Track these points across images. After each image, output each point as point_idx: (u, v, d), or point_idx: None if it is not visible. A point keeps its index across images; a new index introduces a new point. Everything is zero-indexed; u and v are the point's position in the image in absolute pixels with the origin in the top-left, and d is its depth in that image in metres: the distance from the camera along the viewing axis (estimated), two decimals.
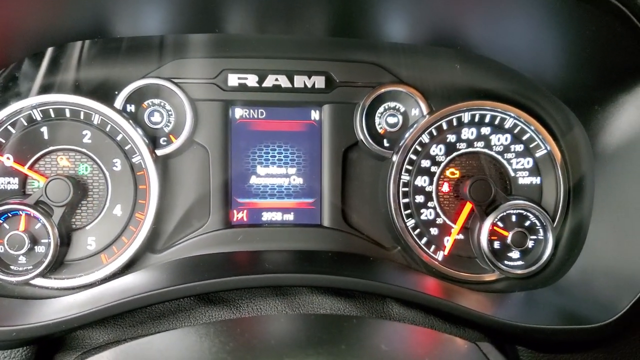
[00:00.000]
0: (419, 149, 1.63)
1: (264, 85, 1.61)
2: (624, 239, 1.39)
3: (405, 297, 1.34)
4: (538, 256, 1.60)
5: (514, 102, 1.63)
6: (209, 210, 1.61)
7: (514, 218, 1.61)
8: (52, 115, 1.51)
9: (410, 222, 1.63)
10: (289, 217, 1.68)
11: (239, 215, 1.66)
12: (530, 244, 1.60)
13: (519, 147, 1.64)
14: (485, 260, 1.57)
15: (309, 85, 1.62)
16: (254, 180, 1.67)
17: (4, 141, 1.50)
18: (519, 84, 1.63)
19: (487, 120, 1.64)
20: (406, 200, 1.63)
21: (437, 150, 1.63)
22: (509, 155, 1.64)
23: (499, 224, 1.59)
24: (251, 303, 1.43)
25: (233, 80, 1.60)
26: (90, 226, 1.54)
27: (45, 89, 1.51)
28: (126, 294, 1.28)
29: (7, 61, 1.46)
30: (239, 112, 1.65)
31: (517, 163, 1.64)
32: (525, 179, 1.65)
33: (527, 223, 1.61)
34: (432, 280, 1.56)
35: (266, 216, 1.67)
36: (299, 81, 1.62)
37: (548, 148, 1.63)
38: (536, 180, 1.65)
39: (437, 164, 1.63)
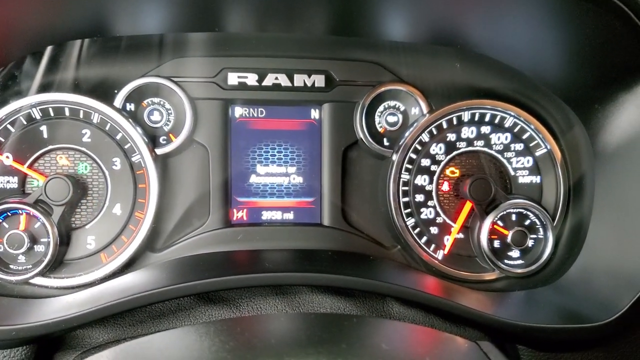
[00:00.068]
0: (419, 147, 1.63)
1: (263, 84, 1.61)
2: (624, 238, 1.39)
3: (405, 296, 1.34)
4: (538, 255, 1.60)
5: (514, 101, 1.63)
6: (208, 209, 1.61)
7: (514, 217, 1.61)
8: (52, 114, 1.51)
9: (410, 221, 1.63)
10: (289, 216, 1.68)
11: (238, 214, 1.66)
12: (530, 243, 1.60)
13: (519, 146, 1.64)
14: (485, 259, 1.57)
15: (309, 84, 1.62)
16: (253, 179, 1.67)
17: (3, 140, 1.49)
18: (519, 83, 1.63)
19: (487, 119, 1.64)
20: (406, 199, 1.63)
21: (437, 149, 1.63)
22: (509, 154, 1.64)
23: (499, 223, 1.59)
24: (251, 302, 1.43)
25: (233, 79, 1.60)
26: (89, 225, 1.53)
27: (44, 88, 1.51)
28: (126, 293, 1.28)
29: (6, 60, 1.45)
30: (238, 111, 1.65)
31: (517, 162, 1.64)
32: (525, 178, 1.65)
33: (527, 222, 1.61)
34: (432, 279, 1.56)
35: (266, 215, 1.67)
36: (299, 80, 1.61)
37: (548, 147, 1.63)
38: (536, 179, 1.65)
39: (437, 162, 1.63)
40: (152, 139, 1.58)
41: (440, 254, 1.63)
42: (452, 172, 1.65)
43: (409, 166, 1.62)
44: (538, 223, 1.60)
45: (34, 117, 1.50)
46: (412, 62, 1.64)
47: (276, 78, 1.61)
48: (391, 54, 1.64)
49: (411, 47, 1.64)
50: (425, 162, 1.63)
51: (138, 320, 1.41)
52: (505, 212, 1.59)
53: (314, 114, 1.66)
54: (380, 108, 1.67)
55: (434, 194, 1.64)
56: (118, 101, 1.55)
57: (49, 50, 1.50)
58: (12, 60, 1.47)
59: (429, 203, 1.64)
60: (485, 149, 1.64)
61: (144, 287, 1.30)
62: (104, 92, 1.55)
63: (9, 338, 1.24)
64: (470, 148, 1.64)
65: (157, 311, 1.42)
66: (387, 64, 1.64)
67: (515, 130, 1.64)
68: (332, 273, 1.36)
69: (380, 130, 1.67)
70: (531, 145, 1.64)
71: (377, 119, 1.67)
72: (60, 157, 1.53)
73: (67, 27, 1.42)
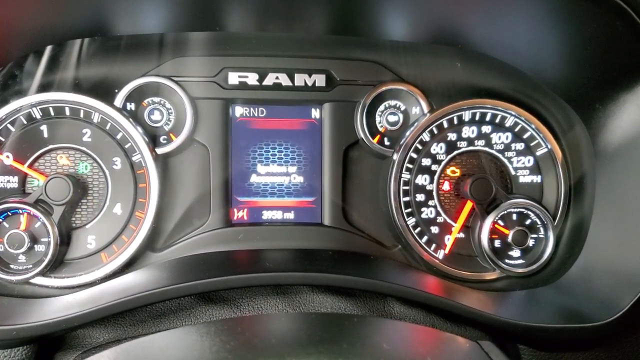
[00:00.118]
0: (420, 147, 1.63)
1: (264, 83, 1.61)
2: (625, 238, 1.39)
3: (406, 296, 1.34)
4: (539, 255, 1.60)
5: (514, 101, 1.63)
6: (209, 208, 1.61)
7: (514, 216, 1.61)
8: (52, 114, 1.51)
9: (411, 221, 1.63)
10: (290, 215, 1.67)
11: (239, 214, 1.66)
12: (531, 242, 1.60)
13: (520, 146, 1.64)
14: (486, 258, 1.57)
15: (310, 84, 1.62)
16: (254, 178, 1.66)
17: (3, 139, 1.49)
18: (520, 82, 1.62)
19: (487, 118, 1.63)
20: (407, 198, 1.62)
21: (437, 148, 1.63)
22: (510, 154, 1.64)
23: (500, 222, 1.59)
24: (252, 302, 1.43)
25: (233, 78, 1.60)
26: (90, 225, 1.53)
27: (45, 87, 1.51)
28: (126, 293, 1.28)
29: (6, 59, 1.45)
30: (239, 111, 1.65)
31: (518, 161, 1.64)
32: (526, 178, 1.65)
33: (528, 221, 1.61)
34: (432, 279, 1.56)
35: (266, 215, 1.67)
36: (300, 79, 1.61)
37: (549, 146, 1.62)
38: (537, 178, 1.65)
39: (438, 162, 1.63)
40: (153, 139, 1.58)
41: (441, 254, 1.63)
42: (453, 172, 1.65)
43: (410, 166, 1.62)
44: (539, 222, 1.60)
45: (34, 116, 1.50)
46: (413, 61, 1.64)
47: (277, 77, 1.61)
48: (392, 54, 1.64)
49: (412, 47, 1.64)
50: (426, 161, 1.63)
51: (139, 320, 1.41)
52: (506, 212, 1.59)
53: (315, 113, 1.66)
54: (381, 107, 1.66)
55: (434, 193, 1.64)
56: (118, 101, 1.55)
57: (49, 49, 1.50)
58: (13, 60, 1.47)
59: (430, 202, 1.64)
60: (486, 149, 1.64)
61: (145, 287, 1.30)
62: (104, 91, 1.55)
63: (9, 338, 1.24)
64: (471, 147, 1.64)
65: (158, 311, 1.42)
66: (388, 64, 1.64)
67: (516, 129, 1.64)
68: (333, 273, 1.36)
69: (381, 129, 1.67)
70: (532, 144, 1.64)
71: (377, 119, 1.66)
72: (60, 156, 1.53)
73: (67, 26, 1.42)
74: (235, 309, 1.42)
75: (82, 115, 1.52)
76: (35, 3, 1.26)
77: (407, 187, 1.62)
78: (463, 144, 1.63)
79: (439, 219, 1.64)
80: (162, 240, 1.61)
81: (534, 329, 1.30)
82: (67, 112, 1.52)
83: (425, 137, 1.63)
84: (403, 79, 1.65)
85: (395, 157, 1.62)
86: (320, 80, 1.62)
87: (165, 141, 1.59)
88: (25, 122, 1.50)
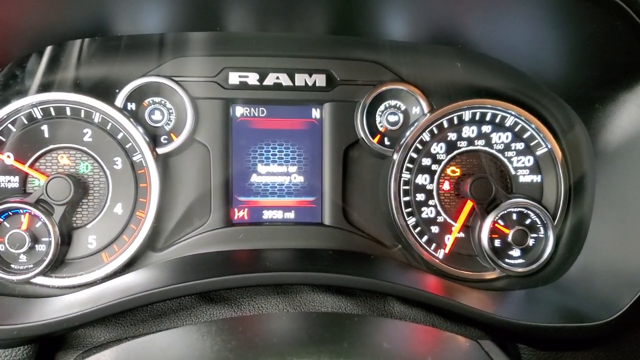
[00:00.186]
0: (420, 147, 1.63)
1: (264, 83, 1.61)
2: (624, 237, 1.40)
3: (406, 295, 1.34)
4: (539, 254, 1.60)
5: (514, 101, 1.63)
6: (209, 208, 1.61)
7: (514, 216, 1.61)
8: (53, 114, 1.51)
9: (411, 220, 1.63)
10: (290, 215, 1.68)
11: (239, 214, 1.66)
12: (530, 242, 1.60)
13: (520, 146, 1.65)
14: (486, 258, 1.57)
15: (310, 84, 1.62)
16: (254, 178, 1.67)
17: (4, 139, 1.50)
18: (520, 82, 1.63)
19: (487, 118, 1.64)
20: (407, 198, 1.63)
21: (437, 148, 1.63)
22: (510, 154, 1.65)
23: (500, 222, 1.60)
24: (252, 301, 1.43)
25: (234, 78, 1.60)
26: (91, 225, 1.53)
27: (45, 87, 1.51)
28: (127, 293, 1.28)
29: (7, 59, 1.46)
30: (239, 111, 1.65)
31: (518, 161, 1.65)
32: (525, 177, 1.65)
33: (528, 221, 1.61)
34: (432, 278, 1.56)
35: (267, 214, 1.67)
36: (300, 79, 1.62)
37: (549, 146, 1.63)
38: (537, 178, 1.65)
39: (438, 162, 1.64)
40: (153, 139, 1.58)
41: (441, 253, 1.63)
42: (453, 172, 1.65)
43: (410, 165, 1.63)
44: (539, 222, 1.60)
45: (35, 116, 1.50)
46: (413, 61, 1.65)
47: (277, 77, 1.61)
48: (392, 54, 1.64)
49: (412, 47, 1.64)
50: (426, 161, 1.63)
51: (139, 319, 1.41)
52: (505, 211, 1.59)
53: (315, 113, 1.67)
54: (381, 107, 1.67)
55: (434, 193, 1.64)
56: (119, 100, 1.56)
57: (50, 49, 1.50)
58: (14, 60, 1.48)
59: (430, 202, 1.64)
60: (486, 148, 1.64)
61: (145, 287, 1.30)
62: (105, 91, 1.55)
63: (10, 337, 1.24)
64: (471, 147, 1.64)
65: (159, 310, 1.42)
66: (388, 64, 1.65)
67: (516, 129, 1.64)
68: (333, 272, 1.36)
69: (381, 129, 1.67)
70: (532, 144, 1.64)
71: (378, 119, 1.67)
72: (61, 156, 1.53)
73: (68, 26, 1.42)
74: (235, 309, 1.42)
75: (82, 115, 1.53)
76: (36, 3, 1.26)
77: (407, 187, 1.63)
78: (463, 143, 1.64)
79: (439, 219, 1.64)
80: (163, 240, 1.61)
81: (534, 329, 1.30)
82: (68, 112, 1.52)
83: (426, 136, 1.63)
84: (403, 79, 1.65)
85: (396, 156, 1.62)
86: (320, 80, 1.62)
87: (165, 141, 1.60)
88: (26, 122, 1.50)
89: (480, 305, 1.36)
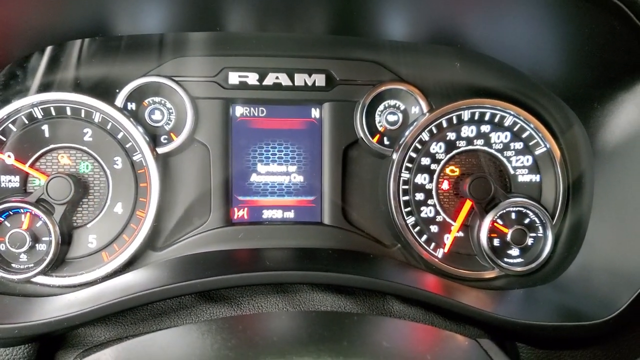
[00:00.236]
0: (419, 146, 1.63)
1: (264, 83, 1.61)
2: (623, 236, 1.40)
3: (405, 294, 1.35)
4: (537, 253, 1.60)
5: (513, 100, 1.63)
6: (209, 208, 1.62)
7: (513, 215, 1.62)
8: (53, 113, 1.52)
9: (410, 220, 1.63)
10: (290, 214, 1.68)
11: (239, 213, 1.67)
12: (529, 241, 1.60)
13: (519, 145, 1.65)
14: (485, 257, 1.58)
15: (310, 84, 1.62)
16: (254, 178, 1.67)
17: (4, 139, 1.50)
18: (519, 82, 1.63)
19: (486, 118, 1.64)
20: (406, 197, 1.63)
21: (437, 148, 1.64)
22: (509, 153, 1.65)
23: (499, 221, 1.60)
24: (252, 300, 1.43)
25: (234, 78, 1.60)
26: (91, 224, 1.54)
27: (46, 87, 1.51)
28: (127, 292, 1.29)
29: (8, 59, 1.46)
30: (239, 110, 1.65)
31: (517, 161, 1.65)
32: (524, 177, 1.65)
33: (527, 220, 1.61)
34: (432, 278, 1.56)
35: (267, 214, 1.68)
36: (300, 79, 1.62)
37: (547, 146, 1.63)
38: (535, 177, 1.65)
39: (437, 161, 1.64)
40: (153, 138, 1.58)
41: (440, 253, 1.64)
42: (452, 171, 1.65)
43: (409, 165, 1.63)
44: (537, 221, 1.61)
45: (35, 116, 1.51)
46: (412, 61, 1.65)
47: (277, 77, 1.61)
48: (391, 53, 1.64)
49: (411, 47, 1.64)
50: (425, 160, 1.64)
51: (139, 318, 1.41)
52: (504, 211, 1.59)
53: (315, 113, 1.67)
54: (381, 107, 1.67)
55: (434, 192, 1.64)
56: (119, 100, 1.56)
57: (50, 49, 1.50)
58: (14, 60, 1.48)
59: (429, 202, 1.64)
60: (485, 148, 1.65)
61: (145, 286, 1.30)
62: (105, 91, 1.55)
63: (11, 336, 1.25)
64: (470, 147, 1.64)
65: (159, 309, 1.42)
66: (387, 63, 1.65)
67: (515, 129, 1.65)
68: (333, 271, 1.36)
69: (380, 129, 1.67)
70: (531, 144, 1.65)
71: (377, 118, 1.67)
72: (61, 156, 1.53)
73: (68, 26, 1.42)
74: (235, 308, 1.42)
75: (83, 115, 1.53)
76: (36, 3, 1.26)
77: (406, 187, 1.63)
78: (462, 143, 1.64)
79: (438, 218, 1.65)
80: (163, 239, 1.61)
81: (533, 327, 1.30)
82: (68, 112, 1.52)
83: (425, 136, 1.63)
84: (402, 78, 1.65)
85: (395, 156, 1.62)
86: (320, 80, 1.62)
87: (165, 141, 1.60)
88: (26, 122, 1.51)
89: (479, 304, 1.36)
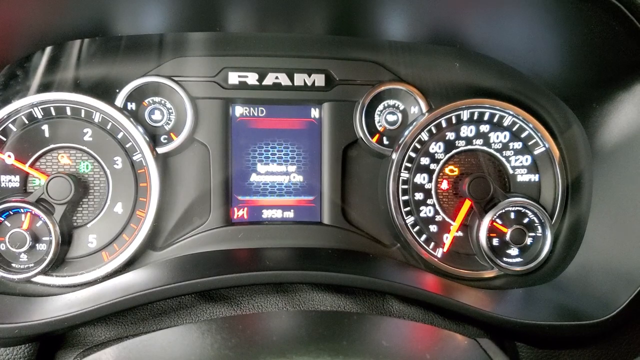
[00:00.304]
0: (419, 146, 1.64)
1: (264, 83, 1.61)
2: (622, 236, 1.40)
3: (405, 294, 1.35)
4: (536, 253, 1.61)
5: (512, 100, 1.64)
6: (209, 207, 1.62)
7: (512, 215, 1.62)
8: (53, 113, 1.52)
9: (410, 220, 1.64)
10: (289, 214, 1.68)
11: (239, 213, 1.67)
12: (528, 240, 1.61)
13: (518, 145, 1.65)
14: (484, 257, 1.58)
15: (309, 83, 1.63)
16: (254, 177, 1.67)
17: (5, 139, 1.50)
18: (518, 82, 1.63)
19: (486, 118, 1.64)
20: (405, 197, 1.63)
21: (436, 147, 1.64)
22: (508, 153, 1.65)
23: (498, 221, 1.60)
24: (252, 300, 1.44)
25: (233, 78, 1.61)
26: (91, 224, 1.54)
27: (46, 87, 1.52)
28: (127, 292, 1.29)
29: (8, 59, 1.46)
30: (239, 110, 1.66)
31: (516, 160, 1.65)
32: (523, 177, 1.66)
33: (526, 220, 1.62)
34: (431, 277, 1.57)
35: (266, 214, 1.68)
36: (299, 79, 1.62)
37: (546, 146, 1.63)
38: (534, 177, 1.66)
39: (437, 161, 1.64)
40: (153, 138, 1.58)
41: (439, 252, 1.64)
42: (452, 171, 1.66)
43: (409, 165, 1.63)
44: (536, 221, 1.61)
45: (35, 116, 1.51)
46: (412, 61, 1.65)
47: (276, 77, 1.62)
48: (391, 54, 1.65)
49: (410, 47, 1.65)
50: (425, 160, 1.64)
51: (140, 318, 1.42)
52: (504, 210, 1.59)
53: (314, 113, 1.67)
54: (380, 107, 1.67)
55: (433, 192, 1.65)
56: (119, 100, 1.56)
57: (50, 49, 1.50)
58: (14, 60, 1.48)
59: (429, 201, 1.65)
60: (484, 148, 1.65)
61: (146, 285, 1.30)
62: (105, 91, 1.56)
63: (11, 336, 1.25)
64: (469, 147, 1.65)
65: (159, 309, 1.43)
66: (387, 64, 1.65)
67: (514, 129, 1.65)
68: (332, 271, 1.36)
69: (379, 129, 1.68)
70: (530, 143, 1.65)
71: (376, 118, 1.67)
72: (61, 156, 1.54)
73: (68, 26, 1.42)
74: (235, 307, 1.43)
75: (83, 115, 1.53)
76: (37, 4, 1.26)
77: (405, 186, 1.63)
78: (461, 143, 1.64)
79: (438, 218, 1.65)
80: (163, 239, 1.61)
81: (532, 327, 1.31)
82: (68, 112, 1.53)
83: (424, 136, 1.64)
84: (402, 78, 1.65)
85: (394, 156, 1.62)
86: (319, 80, 1.63)
87: (165, 141, 1.60)
88: (26, 122, 1.51)
89: (478, 304, 1.36)
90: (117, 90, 1.57)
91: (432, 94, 1.66)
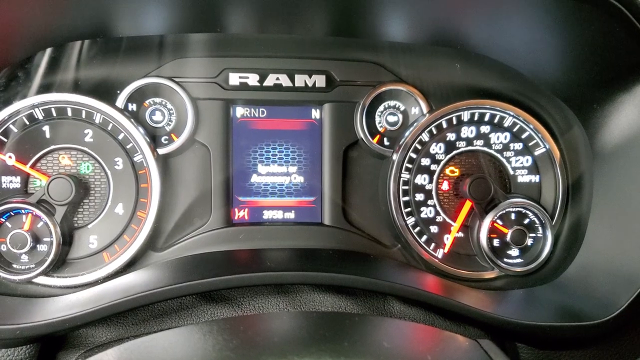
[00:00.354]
0: (419, 147, 1.64)
1: (265, 84, 1.62)
2: (622, 237, 1.40)
3: (405, 295, 1.35)
4: (537, 254, 1.61)
5: (513, 101, 1.64)
6: (210, 208, 1.62)
7: (513, 216, 1.62)
8: (54, 114, 1.52)
9: (410, 220, 1.64)
10: (290, 215, 1.68)
11: (240, 214, 1.67)
12: (529, 241, 1.61)
13: (518, 146, 1.66)
14: (485, 257, 1.58)
15: (310, 84, 1.63)
16: (255, 178, 1.67)
17: (6, 140, 1.50)
18: (519, 83, 1.63)
19: (486, 118, 1.65)
20: (406, 198, 1.64)
21: (437, 148, 1.64)
22: (508, 154, 1.65)
23: (499, 221, 1.60)
24: (253, 301, 1.44)
25: (234, 79, 1.61)
26: (92, 225, 1.54)
27: (47, 88, 1.52)
28: (128, 292, 1.29)
29: (9, 60, 1.46)
30: (240, 111, 1.66)
31: (516, 161, 1.66)
32: (524, 177, 1.66)
33: (526, 221, 1.62)
34: (432, 278, 1.57)
35: (267, 214, 1.68)
36: (300, 80, 1.62)
37: (547, 146, 1.64)
38: (535, 178, 1.66)
39: (437, 162, 1.64)
40: (154, 139, 1.59)
41: (440, 253, 1.64)
42: (452, 172, 1.66)
43: (409, 165, 1.63)
44: (537, 222, 1.61)
45: (36, 117, 1.51)
46: (412, 62, 1.66)
47: (277, 78, 1.62)
48: (391, 55, 1.65)
49: (411, 48, 1.65)
50: (425, 161, 1.64)
51: (141, 319, 1.42)
52: (504, 211, 1.60)
53: (315, 113, 1.67)
54: (381, 108, 1.68)
55: (433, 193, 1.65)
56: (120, 101, 1.56)
57: (51, 51, 1.50)
58: (15, 61, 1.48)
59: (429, 202, 1.65)
60: (485, 149, 1.65)
61: (146, 286, 1.30)
62: (106, 92, 1.56)
63: (12, 337, 1.25)
64: (469, 147, 1.65)
65: (160, 310, 1.43)
66: (387, 64, 1.65)
67: (515, 129, 1.65)
68: (333, 272, 1.36)
69: (380, 129, 1.68)
70: (530, 144, 1.65)
71: (377, 119, 1.68)
72: (62, 157, 1.54)
73: (69, 28, 1.43)
74: (236, 308, 1.43)
75: (84, 116, 1.53)
76: (38, 5, 1.26)
77: (406, 187, 1.64)
78: (462, 144, 1.64)
79: (438, 219, 1.65)
80: (164, 240, 1.61)
81: (532, 328, 1.31)
82: (69, 113, 1.53)
83: (425, 137, 1.64)
84: (402, 79, 1.66)
85: (395, 157, 1.63)
86: (320, 81, 1.63)
87: (166, 141, 1.60)
88: (27, 123, 1.51)
89: (479, 305, 1.36)
90: (118, 91, 1.57)
91: (432, 95, 1.66)
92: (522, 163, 1.66)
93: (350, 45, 1.64)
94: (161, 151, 1.58)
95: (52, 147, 1.52)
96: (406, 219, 1.63)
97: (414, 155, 1.63)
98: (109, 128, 1.54)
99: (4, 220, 1.49)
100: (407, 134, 1.63)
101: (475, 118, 1.64)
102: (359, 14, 1.41)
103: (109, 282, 1.48)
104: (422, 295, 1.35)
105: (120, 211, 1.54)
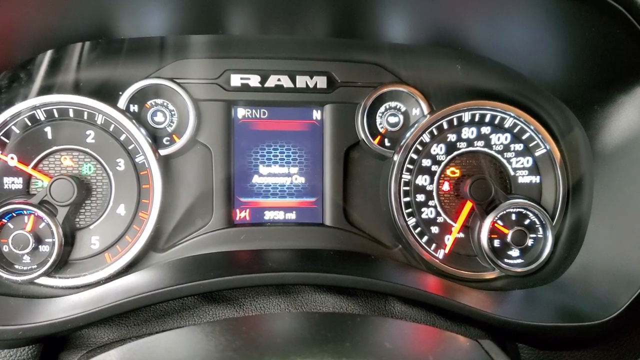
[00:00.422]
0: (420, 148, 1.64)
1: (266, 85, 1.62)
2: (622, 237, 1.41)
3: (407, 295, 1.35)
4: (537, 254, 1.61)
5: (514, 102, 1.64)
6: (211, 209, 1.62)
7: (513, 217, 1.62)
8: (56, 116, 1.52)
9: (411, 221, 1.64)
10: (291, 216, 1.69)
11: (241, 215, 1.68)
12: (529, 242, 1.61)
13: (519, 147, 1.66)
14: (486, 258, 1.59)
15: (311, 86, 1.63)
16: (256, 179, 1.68)
17: (8, 141, 1.51)
18: (519, 85, 1.64)
19: (487, 119, 1.65)
20: (407, 199, 1.64)
21: (437, 149, 1.64)
22: (509, 155, 1.66)
23: (499, 222, 1.61)
24: (254, 301, 1.44)
25: (235, 80, 1.61)
26: (94, 225, 1.55)
27: (49, 90, 1.52)
28: (130, 293, 1.29)
29: (11, 62, 1.46)
30: (241, 112, 1.66)
31: (517, 162, 1.66)
32: (524, 178, 1.66)
33: (527, 221, 1.62)
34: (433, 278, 1.57)
35: (268, 215, 1.69)
36: (301, 81, 1.63)
37: (547, 147, 1.64)
38: (535, 179, 1.66)
39: (438, 163, 1.65)
40: (156, 140, 1.59)
41: (441, 253, 1.65)
42: (453, 172, 1.66)
43: (410, 166, 1.64)
44: (537, 222, 1.61)
45: (38, 118, 1.51)
46: (413, 63, 1.66)
47: (278, 79, 1.62)
48: (392, 56, 1.65)
49: (412, 49, 1.65)
50: (426, 162, 1.64)
51: (142, 319, 1.42)
52: (505, 212, 1.60)
53: (316, 114, 1.68)
54: (382, 109, 1.68)
55: (434, 193, 1.65)
56: (122, 102, 1.57)
57: (53, 52, 1.51)
58: (17, 62, 1.48)
59: (430, 203, 1.65)
60: (486, 150, 1.65)
61: (148, 287, 1.31)
62: (107, 93, 1.56)
63: (15, 337, 1.25)
64: (470, 148, 1.65)
65: (162, 311, 1.43)
66: (388, 66, 1.66)
67: (515, 130, 1.65)
68: (335, 272, 1.37)
69: (381, 130, 1.68)
70: (531, 145, 1.65)
71: (378, 120, 1.68)
72: (64, 158, 1.54)
73: (71, 29, 1.43)
74: (238, 309, 1.43)
75: (85, 117, 1.54)
76: (40, 6, 1.27)
77: (407, 188, 1.64)
78: (463, 144, 1.65)
79: (439, 219, 1.66)
80: (165, 240, 1.62)
81: (533, 328, 1.31)
82: (71, 114, 1.53)
83: (426, 138, 1.64)
84: (403, 80, 1.66)
85: (396, 158, 1.63)
86: (321, 82, 1.63)
87: (168, 142, 1.61)
88: (29, 124, 1.51)
89: (479, 305, 1.37)
90: (120, 93, 1.57)
91: (433, 96, 1.66)
92: (522, 164, 1.66)
93: (352, 47, 1.65)
94: (163, 152, 1.58)
95: (54, 148, 1.53)
96: (407, 219, 1.63)
97: (415, 156, 1.64)
98: (111, 129, 1.55)
99: (6, 221, 1.49)
100: (408, 135, 1.63)
101: (476, 119, 1.65)
102: (360, 15, 1.42)
103: (111, 283, 1.48)
104: (423, 296, 1.35)
105: (122, 212, 1.55)
